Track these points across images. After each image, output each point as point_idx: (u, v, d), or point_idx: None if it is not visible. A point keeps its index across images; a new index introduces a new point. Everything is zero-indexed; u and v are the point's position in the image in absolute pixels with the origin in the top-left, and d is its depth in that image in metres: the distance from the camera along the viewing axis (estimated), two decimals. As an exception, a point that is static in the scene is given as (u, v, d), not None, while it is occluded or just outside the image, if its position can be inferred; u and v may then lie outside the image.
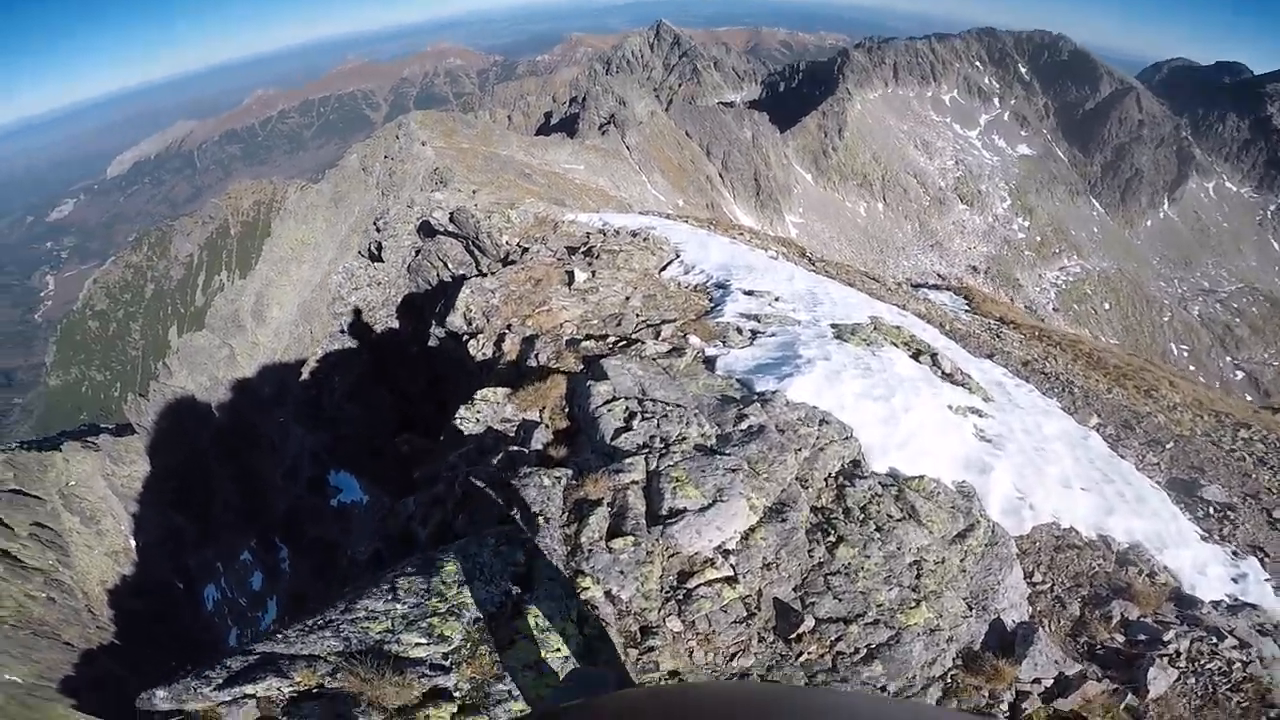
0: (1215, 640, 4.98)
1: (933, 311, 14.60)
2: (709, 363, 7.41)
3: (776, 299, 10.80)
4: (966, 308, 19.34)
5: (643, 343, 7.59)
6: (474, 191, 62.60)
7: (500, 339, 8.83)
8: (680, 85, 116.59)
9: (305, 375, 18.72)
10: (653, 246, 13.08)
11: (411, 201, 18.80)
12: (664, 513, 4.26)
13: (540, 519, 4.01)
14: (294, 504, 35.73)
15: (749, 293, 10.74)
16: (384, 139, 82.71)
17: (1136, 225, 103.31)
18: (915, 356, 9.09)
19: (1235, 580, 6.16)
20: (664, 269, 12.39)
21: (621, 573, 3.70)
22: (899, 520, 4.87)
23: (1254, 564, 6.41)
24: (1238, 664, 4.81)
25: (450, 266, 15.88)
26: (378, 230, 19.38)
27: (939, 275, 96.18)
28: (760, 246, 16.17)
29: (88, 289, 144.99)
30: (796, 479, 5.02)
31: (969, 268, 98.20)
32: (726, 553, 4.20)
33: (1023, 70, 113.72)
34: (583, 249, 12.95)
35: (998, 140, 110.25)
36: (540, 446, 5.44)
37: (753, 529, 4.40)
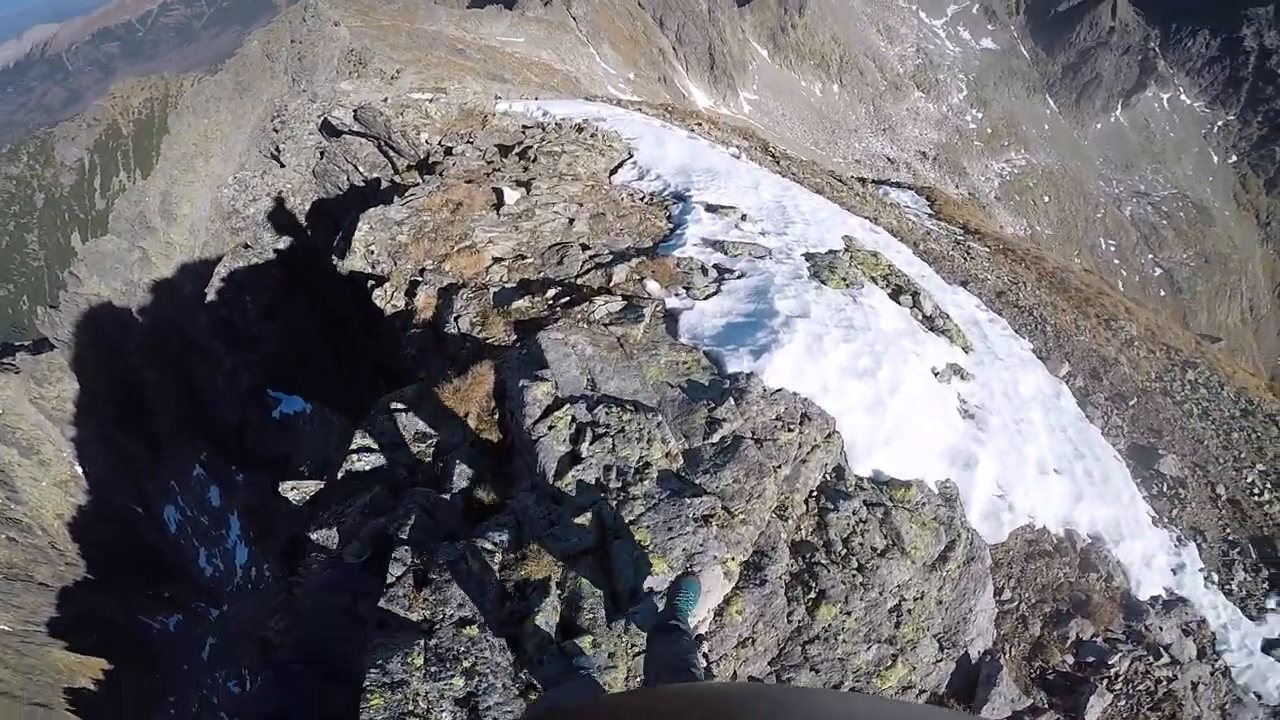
0: (1152, 659, 5.26)
1: (903, 225, 13.34)
2: (671, 321, 6.03)
3: (743, 217, 9.30)
4: (930, 213, 18.19)
5: (590, 300, 6.05)
6: (396, 73, 56.04)
7: (412, 289, 7.11)
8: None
9: (213, 296, 16.38)
10: (601, 144, 11.08)
11: (315, 95, 15.77)
12: (625, 593, 3.12)
13: (474, 627, 2.80)
14: (240, 417, 33.60)
15: (712, 208, 9.16)
16: (288, 22, 72.74)
17: (1086, 126, 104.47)
18: (896, 296, 8.33)
19: (1174, 571, 6.48)
20: (614, 172, 10.54)
21: (580, 689, 2.59)
22: (882, 554, 4.48)
23: (1192, 552, 6.76)
24: (1164, 681, 5.13)
25: (362, 169, 13.48)
26: (275, 131, 16.41)
27: (888, 159, 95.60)
28: (721, 141, 14.24)
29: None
30: (775, 511, 4.08)
31: (918, 153, 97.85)
32: (699, 639, 3.23)
33: None
34: (517, 150, 10.86)
35: (962, 32, 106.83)
36: (466, 484, 4.08)
37: (728, 600, 3.52)
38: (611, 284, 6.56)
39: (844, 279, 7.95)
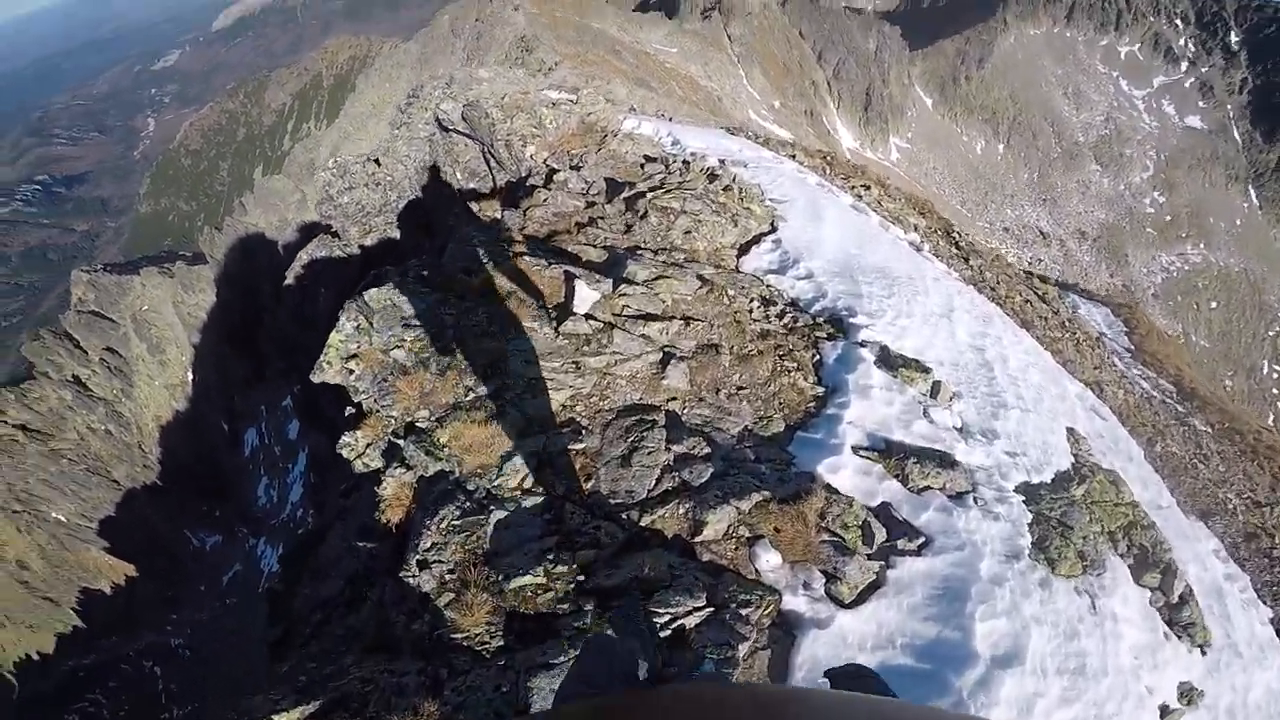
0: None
1: (1128, 397, 9.29)
2: (783, 639, 3.07)
3: (934, 388, 5.97)
4: (1129, 346, 13.61)
5: (652, 590, 2.99)
6: (555, 64, 55.50)
7: (391, 454, 4.45)
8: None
9: (290, 280, 14.87)
10: (735, 204, 7.96)
11: (451, 78, 13.72)
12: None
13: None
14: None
15: (888, 361, 5.91)
16: (477, 1, 75.11)
17: None
18: (1140, 567, 5.59)
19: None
20: (746, 250, 7.40)
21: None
22: None
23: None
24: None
25: (460, 176, 11.23)
26: (400, 113, 14.60)
27: (1041, 232, 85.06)
28: (894, 218, 10.62)
29: (184, 130, 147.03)
30: None
31: (1077, 231, 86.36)
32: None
33: (1233, 39, 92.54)
34: (629, 191, 7.97)
35: (1166, 106, 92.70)
36: None
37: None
38: (699, 538, 3.47)
39: (1080, 554, 5.00)
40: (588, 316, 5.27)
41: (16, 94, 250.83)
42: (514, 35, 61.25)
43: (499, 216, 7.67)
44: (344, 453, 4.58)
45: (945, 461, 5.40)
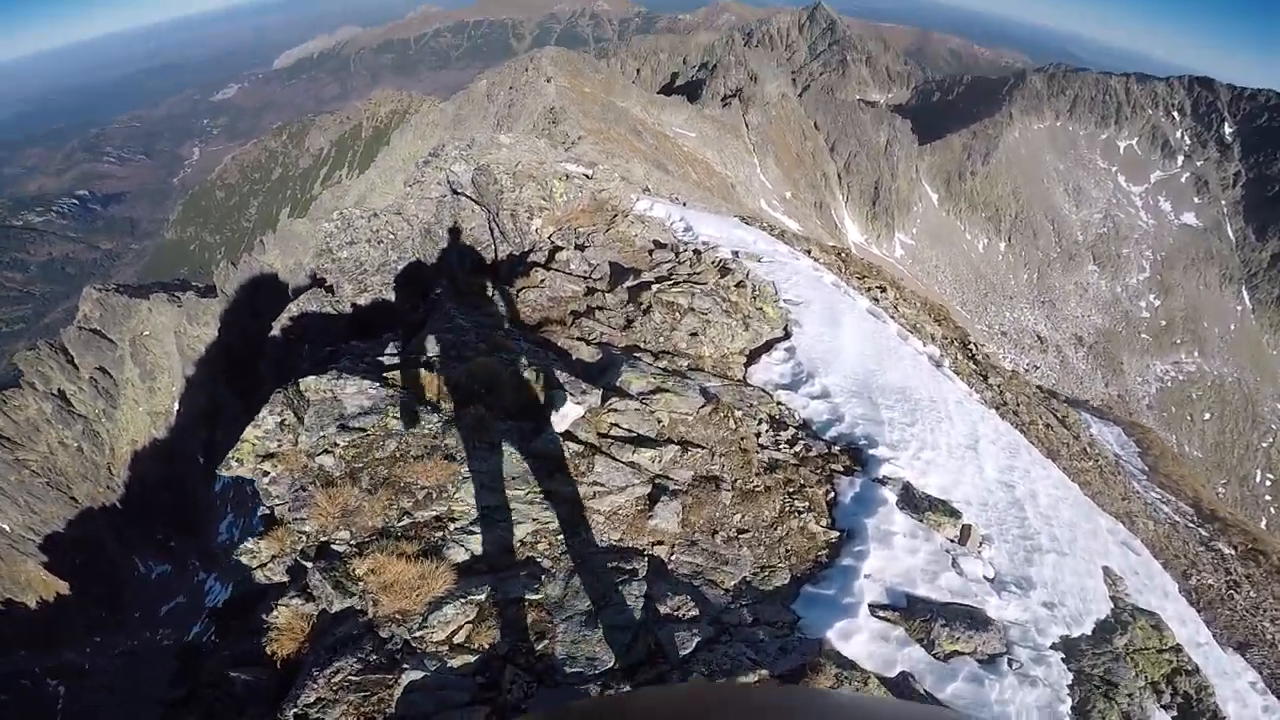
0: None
1: (1158, 532, 8.35)
2: None
3: (962, 533, 5.13)
4: (1143, 468, 12.73)
5: None
6: (578, 138, 57.03)
7: (297, 576, 3.57)
8: (822, 73, 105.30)
9: (276, 333, 14.11)
10: (746, 305, 7.25)
11: (472, 140, 13.44)
12: None
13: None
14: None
15: (913, 502, 5.09)
16: (514, 69, 78.56)
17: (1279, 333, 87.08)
18: None
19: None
20: (755, 358, 6.61)
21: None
22: None
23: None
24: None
25: (463, 242, 10.67)
26: (417, 169, 14.29)
27: (1039, 337, 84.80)
28: (913, 327, 9.92)
29: (225, 163, 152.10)
30: None
31: (1074, 337, 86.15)
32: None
33: (1227, 131, 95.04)
34: (633, 279, 7.28)
35: (1162, 203, 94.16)
36: None
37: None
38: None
39: (1124, 716, 4.38)
40: (567, 435, 4.39)
41: (88, 108, 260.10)
42: (544, 106, 63.55)
43: (490, 294, 6.94)
44: (243, 559, 3.64)
45: (976, 621, 4.54)
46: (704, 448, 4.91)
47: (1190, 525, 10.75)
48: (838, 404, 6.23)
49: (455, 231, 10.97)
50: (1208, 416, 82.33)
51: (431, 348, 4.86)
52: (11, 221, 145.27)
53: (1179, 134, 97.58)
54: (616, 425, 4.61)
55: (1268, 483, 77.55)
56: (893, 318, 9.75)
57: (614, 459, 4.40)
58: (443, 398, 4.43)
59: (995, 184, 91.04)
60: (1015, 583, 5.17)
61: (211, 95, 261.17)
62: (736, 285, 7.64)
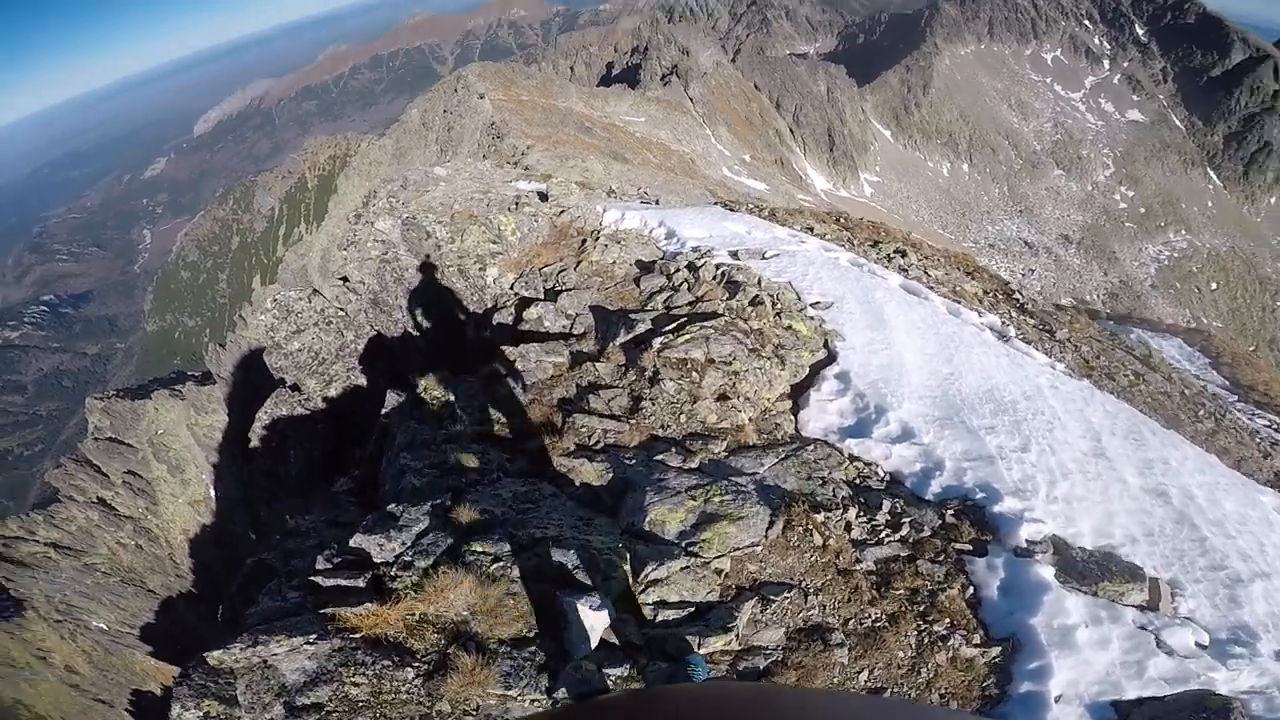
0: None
1: None
2: None
3: (1155, 601, 3.72)
4: (1227, 382, 11.27)
5: None
6: (527, 148, 55.02)
7: None
8: (748, 35, 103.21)
9: (255, 443, 12.45)
10: (772, 324, 5.62)
11: (405, 181, 11.65)
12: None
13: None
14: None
15: (1080, 579, 3.67)
16: (442, 92, 76.10)
17: (1258, 201, 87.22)
18: None
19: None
20: (803, 397, 4.99)
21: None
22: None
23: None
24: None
25: (413, 309, 8.92)
26: (351, 225, 12.55)
27: (1026, 243, 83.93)
28: (955, 294, 8.30)
29: (180, 241, 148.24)
30: None
31: (1060, 237, 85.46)
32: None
33: (1139, 32, 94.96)
34: (624, 333, 5.60)
35: (1104, 104, 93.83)
36: None
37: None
38: None
39: None
40: (601, 650, 2.75)
41: (16, 207, 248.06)
42: (483, 123, 61.21)
43: (449, 399, 5.27)
44: None
45: (1213, 712, 3.18)
46: (790, 586, 3.30)
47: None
48: (928, 445, 4.63)
49: (404, 297, 9.26)
50: (1214, 286, 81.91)
51: (378, 550, 3.22)
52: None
53: (1097, 40, 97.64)
54: (663, 602, 2.98)
55: None
56: (931, 289, 8.13)
57: (673, 658, 2.79)
58: (412, 634, 2.80)
59: (941, 112, 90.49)
60: (1233, 638, 3.83)
61: (141, 173, 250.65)
62: (752, 304, 5.99)
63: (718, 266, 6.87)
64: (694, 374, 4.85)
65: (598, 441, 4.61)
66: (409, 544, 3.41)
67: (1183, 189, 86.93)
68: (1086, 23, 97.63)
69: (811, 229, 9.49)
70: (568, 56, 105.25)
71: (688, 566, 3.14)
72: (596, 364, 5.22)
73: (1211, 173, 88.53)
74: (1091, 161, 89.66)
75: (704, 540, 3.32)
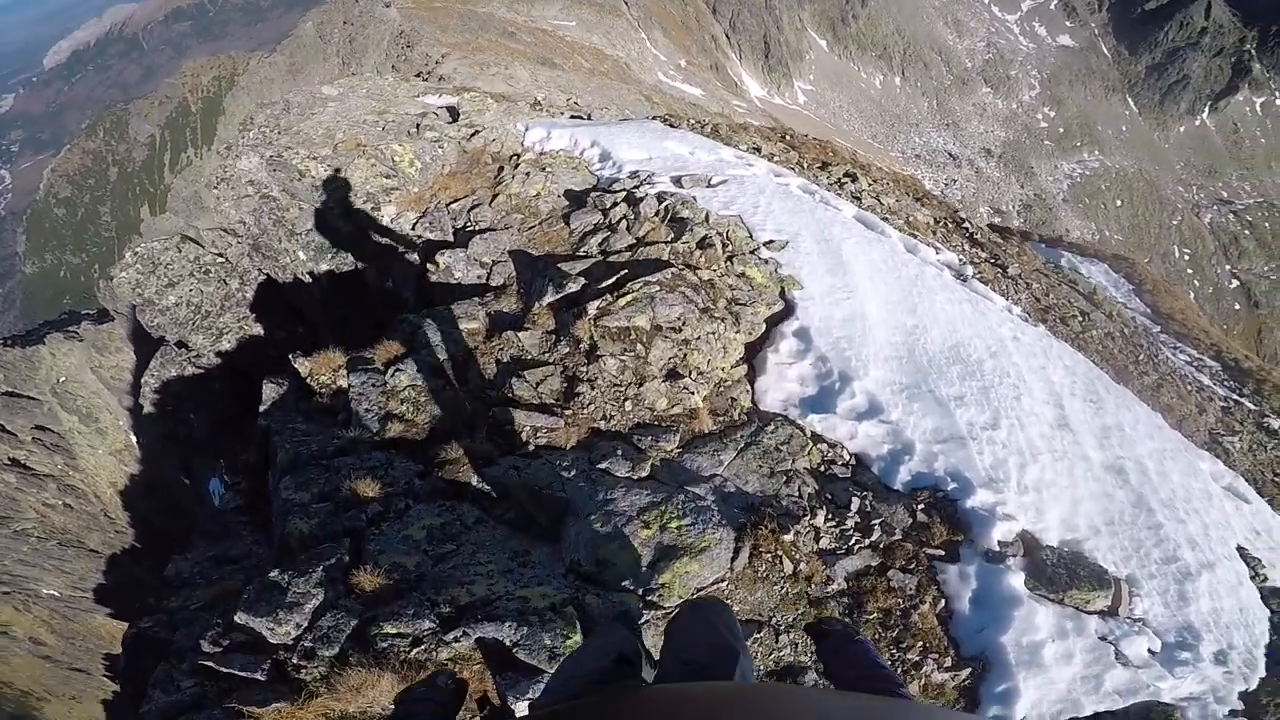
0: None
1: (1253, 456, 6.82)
2: None
3: (1115, 607, 3.65)
4: (1146, 307, 11.50)
5: None
6: (441, 57, 49.73)
7: None
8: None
9: (149, 408, 10.84)
10: (722, 272, 4.75)
11: (287, 104, 9.60)
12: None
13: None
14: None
15: (1048, 585, 3.56)
16: (341, 3, 67.45)
17: (1168, 129, 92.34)
18: None
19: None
20: (758, 360, 4.26)
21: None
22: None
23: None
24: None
25: (303, 256, 7.40)
26: (221, 160, 10.49)
27: (950, 155, 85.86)
28: (910, 228, 7.61)
29: (47, 178, 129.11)
30: None
31: (983, 150, 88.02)
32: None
33: None
34: (552, 292, 4.56)
35: (1038, 28, 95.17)
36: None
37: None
38: None
39: None
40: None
41: None
42: (390, 33, 54.49)
43: (343, 386, 4.21)
44: None
45: None
46: (761, 624, 2.66)
47: (1237, 398, 9.13)
48: (897, 422, 4.05)
49: (290, 241, 7.72)
50: (1119, 204, 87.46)
51: (270, 632, 2.31)
52: None
53: None
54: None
55: (1186, 257, 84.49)
56: (885, 220, 7.43)
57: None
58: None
59: (878, 24, 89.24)
60: (1179, 641, 3.72)
61: None
62: (700, 245, 5.07)
63: (660, 200, 5.84)
64: (639, 346, 3.97)
65: (527, 441, 3.73)
66: (305, 625, 2.53)
67: (1101, 113, 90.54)
68: None
69: (759, 149, 8.47)
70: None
71: (646, 620, 2.43)
72: (520, 333, 4.24)
73: (1130, 100, 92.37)
74: (1019, 82, 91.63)
75: (663, 585, 2.60)
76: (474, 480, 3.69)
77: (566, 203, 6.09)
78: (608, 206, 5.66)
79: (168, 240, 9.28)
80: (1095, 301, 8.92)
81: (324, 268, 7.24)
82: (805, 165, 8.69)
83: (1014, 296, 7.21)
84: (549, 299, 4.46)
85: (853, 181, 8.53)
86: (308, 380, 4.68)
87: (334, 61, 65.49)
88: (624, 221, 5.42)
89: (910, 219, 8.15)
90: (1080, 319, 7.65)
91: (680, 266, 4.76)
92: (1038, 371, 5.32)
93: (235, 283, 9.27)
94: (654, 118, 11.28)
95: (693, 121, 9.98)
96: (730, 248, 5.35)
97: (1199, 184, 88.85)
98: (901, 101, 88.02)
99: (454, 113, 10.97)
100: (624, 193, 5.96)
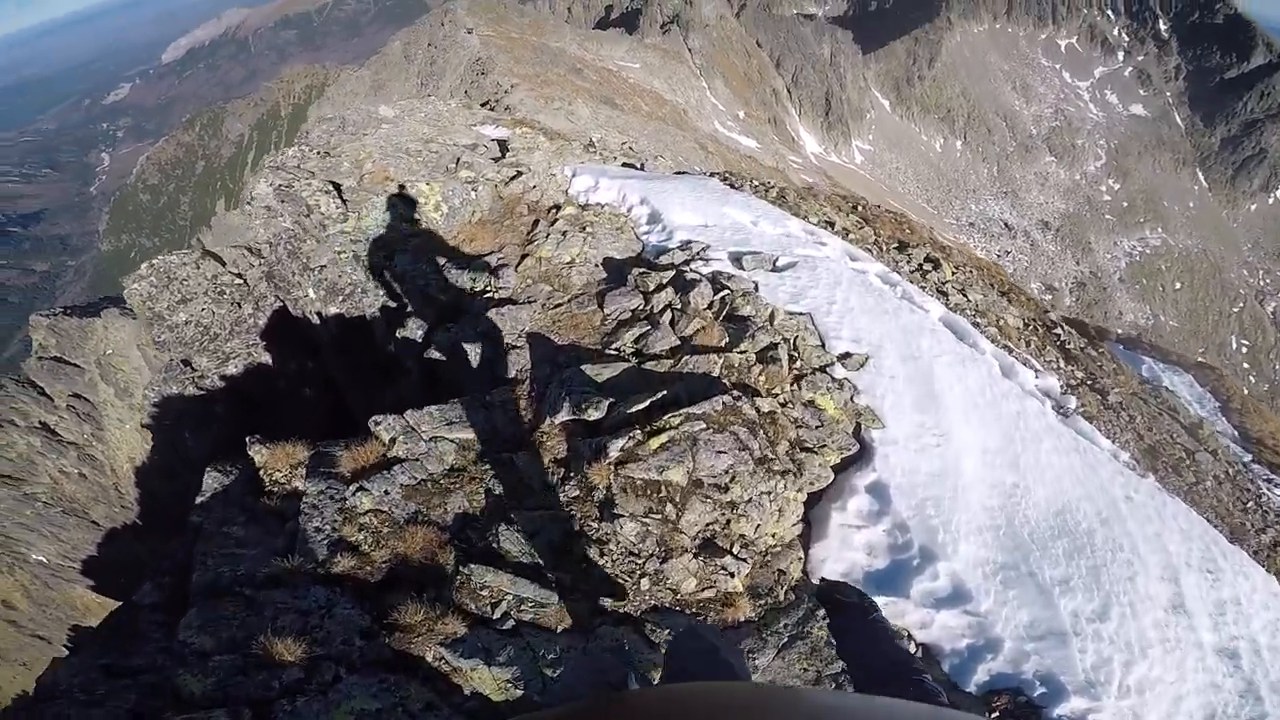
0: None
1: None
2: None
3: None
4: (1231, 425, 9.87)
5: None
6: (511, 86, 50.72)
7: None
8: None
9: (147, 420, 10.28)
10: (785, 405, 3.65)
11: (342, 122, 9.15)
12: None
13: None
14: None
15: None
16: (429, 25, 70.43)
17: (1239, 207, 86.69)
18: None
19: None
20: (819, 514, 3.14)
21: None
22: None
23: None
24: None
25: (314, 295, 6.68)
26: (263, 179, 10.02)
27: (1006, 225, 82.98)
28: (1003, 334, 6.42)
29: (141, 164, 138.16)
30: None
31: (1040, 222, 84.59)
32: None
33: (1163, 27, 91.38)
34: (567, 407, 3.59)
35: (1109, 96, 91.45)
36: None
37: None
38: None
39: None
40: None
41: None
42: (468, 59, 56.29)
43: (300, 489, 3.30)
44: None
45: None
46: None
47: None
48: (985, 614, 2.98)
49: (304, 277, 6.99)
50: (1179, 286, 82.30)
51: None
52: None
53: (1116, 31, 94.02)
54: None
55: (1244, 349, 78.75)
56: (975, 323, 6.25)
57: None
58: None
59: (944, 87, 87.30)
60: None
61: (103, 98, 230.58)
62: (762, 358, 4.01)
63: (715, 288, 4.81)
64: (669, 506, 2.91)
65: (508, 613, 2.69)
66: None
67: (1169, 187, 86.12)
68: (1109, 12, 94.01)
69: (831, 224, 7.42)
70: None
71: None
72: (517, 455, 3.25)
73: (1200, 174, 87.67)
74: (1085, 151, 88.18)
75: None
76: (430, 654, 2.69)
77: (604, 275, 5.13)
78: (651, 289, 4.67)
79: (187, 254, 8.74)
80: (1200, 438, 7.51)
81: (334, 310, 6.46)
82: (882, 245, 7.61)
83: (1119, 436, 5.93)
84: (563, 417, 3.45)
85: (935, 269, 7.39)
86: (261, 473, 3.78)
87: (414, 81, 68.00)
88: (669, 312, 4.41)
89: (1001, 322, 6.93)
90: (1188, 460, 6.29)
91: (734, 394, 3.69)
92: (1152, 540, 4.06)
93: (249, 308, 8.64)
94: (713, 174, 10.38)
95: (756, 183, 9.04)
96: (799, 362, 4.27)
97: (1266, 268, 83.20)
98: (961, 166, 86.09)
99: (504, 147, 10.30)
100: (672, 271, 4.97)
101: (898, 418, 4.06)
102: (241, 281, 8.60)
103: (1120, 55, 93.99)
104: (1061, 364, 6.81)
